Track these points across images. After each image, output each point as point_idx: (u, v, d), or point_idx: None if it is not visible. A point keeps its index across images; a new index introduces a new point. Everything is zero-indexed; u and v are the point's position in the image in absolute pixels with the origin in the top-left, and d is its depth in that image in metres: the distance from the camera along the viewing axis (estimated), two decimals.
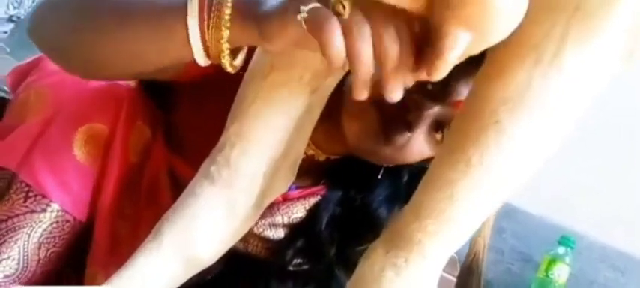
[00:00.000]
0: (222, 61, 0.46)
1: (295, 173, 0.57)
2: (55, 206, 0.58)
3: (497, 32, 0.39)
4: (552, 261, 1.35)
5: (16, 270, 0.58)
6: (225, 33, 0.44)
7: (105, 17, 0.50)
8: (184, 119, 0.69)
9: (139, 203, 0.64)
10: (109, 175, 0.61)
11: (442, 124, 0.60)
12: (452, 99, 0.58)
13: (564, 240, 1.36)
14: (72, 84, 0.60)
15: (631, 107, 1.43)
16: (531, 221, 1.48)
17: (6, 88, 0.71)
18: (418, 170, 0.67)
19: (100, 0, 0.51)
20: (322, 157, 0.69)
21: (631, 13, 0.41)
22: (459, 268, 1.29)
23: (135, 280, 0.49)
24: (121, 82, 0.62)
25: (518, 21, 0.39)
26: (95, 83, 0.61)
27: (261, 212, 0.56)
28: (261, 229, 0.69)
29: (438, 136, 0.61)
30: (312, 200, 0.71)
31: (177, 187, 0.66)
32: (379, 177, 0.69)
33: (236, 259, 0.69)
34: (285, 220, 0.69)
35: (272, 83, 0.49)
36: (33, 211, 0.58)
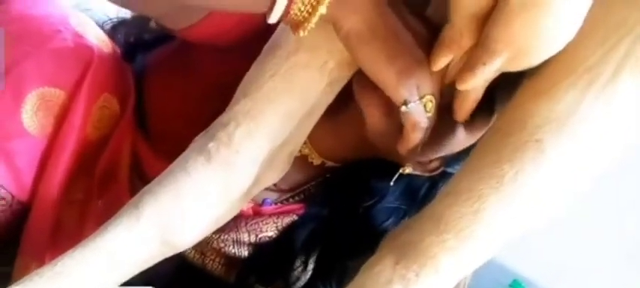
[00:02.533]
0: (302, 28, 0.42)
1: (289, 165, 0.53)
2: None
3: (535, 56, 0.39)
4: None
5: None
6: (324, 4, 0.41)
7: None
8: (156, 100, 0.61)
9: (90, 189, 0.56)
10: (60, 150, 0.52)
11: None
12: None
13: (515, 284, 1.38)
14: (33, 39, 0.51)
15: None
16: (486, 263, 1.47)
17: None
18: (437, 181, 0.62)
19: None
20: (317, 161, 0.61)
21: None
22: None
23: (102, 251, 0.44)
24: (93, 44, 0.54)
25: (558, 49, 0.39)
26: (59, 43, 0.52)
27: (248, 201, 0.53)
28: (222, 244, 0.61)
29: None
30: (286, 219, 0.63)
31: (138, 173, 0.59)
32: (392, 183, 0.62)
33: (189, 270, 0.62)
34: (252, 239, 0.62)
35: (295, 64, 0.47)
36: None
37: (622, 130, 0.42)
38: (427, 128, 0.45)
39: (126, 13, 0.69)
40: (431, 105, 0.44)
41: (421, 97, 0.43)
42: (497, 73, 0.42)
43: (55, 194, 0.53)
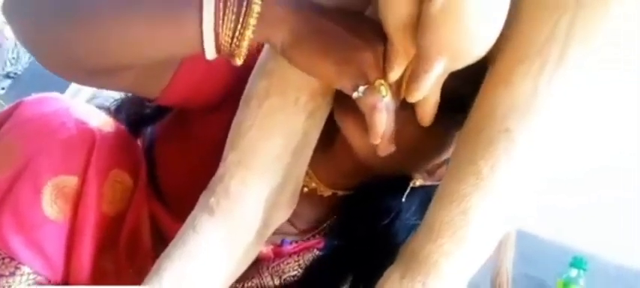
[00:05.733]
0: (237, 56, 0.46)
1: (296, 202, 0.55)
2: (25, 269, 0.54)
3: (472, 54, 0.40)
4: (566, 285, 1.31)
5: None
6: (251, 31, 0.44)
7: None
8: (166, 167, 0.65)
9: (119, 259, 0.60)
10: (82, 230, 0.56)
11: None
12: None
13: (576, 262, 1.33)
14: (42, 135, 0.56)
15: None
16: (541, 245, 1.43)
17: None
18: None
19: None
20: (327, 192, 0.63)
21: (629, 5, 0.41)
22: None
23: None
24: (93, 127, 0.58)
25: (492, 42, 0.41)
26: (64, 133, 0.56)
27: (262, 244, 0.54)
28: None
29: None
30: (308, 256, 0.65)
31: (159, 238, 0.62)
32: (404, 199, 0.62)
33: None
34: (277, 282, 0.64)
35: (268, 109, 0.49)
36: (1, 276, 0.53)
37: (584, 103, 0.43)
38: (389, 113, 0.46)
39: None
40: (384, 89, 0.45)
41: (373, 83, 0.44)
42: (444, 75, 0.43)
43: (86, 271, 0.57)
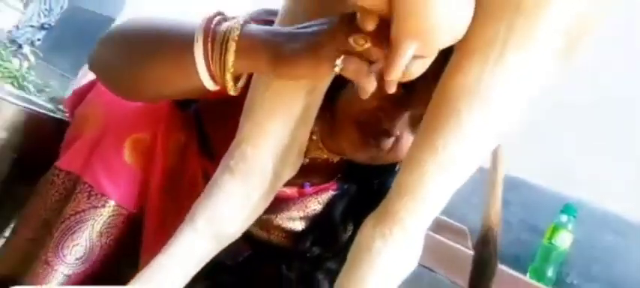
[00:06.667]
0: (227, 86, 0.56)
1: (301, 159, 0.66)
2: (111, 202, 0.72)
3: (439, 41, 0.45)
4: (555, 229, 1.41)
5: (84, 254, 0.72)
6: (230, 65, 0.54)
7: (141, 54, 0.61)
8: (214, 133, 0.81)
9: (180, 199, 0.76)
10: (153, 175, 0.74)
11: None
12: (417, 103, 0.65)
13: (567, 208, 1.41)
14: (119, 101, 0.72)
15: (627, 80, 1.50)
16: (537, 193, 1.56)
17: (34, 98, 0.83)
18: None
19: (139, 39, 0.63)
20: (336, 159, 0.80)
21: (566, 14, 0.49)
22: (470, 240, 1.38)
23: (176, 255, 0.60)
24: None
25: (461, 31, 0.46)
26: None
27: (274, 193, 0.65)
28: (280, 221, 0.81)
29: None
30: (325, 195, 0.82)
31: None
32: (396, 169, 0.75)
33: (262, 245, 0.82)
34: (301, 214, 0.81)
35: (274, 90, 0.60)
36: (95, 207, 0.71)
37: (519, 96, 0.51)
38: (376, 66, 0.49)
39: None
40: (362, 40, 0.48)
41: (348, 49, 0.48)
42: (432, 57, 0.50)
43: (156, 206, 0.75)
